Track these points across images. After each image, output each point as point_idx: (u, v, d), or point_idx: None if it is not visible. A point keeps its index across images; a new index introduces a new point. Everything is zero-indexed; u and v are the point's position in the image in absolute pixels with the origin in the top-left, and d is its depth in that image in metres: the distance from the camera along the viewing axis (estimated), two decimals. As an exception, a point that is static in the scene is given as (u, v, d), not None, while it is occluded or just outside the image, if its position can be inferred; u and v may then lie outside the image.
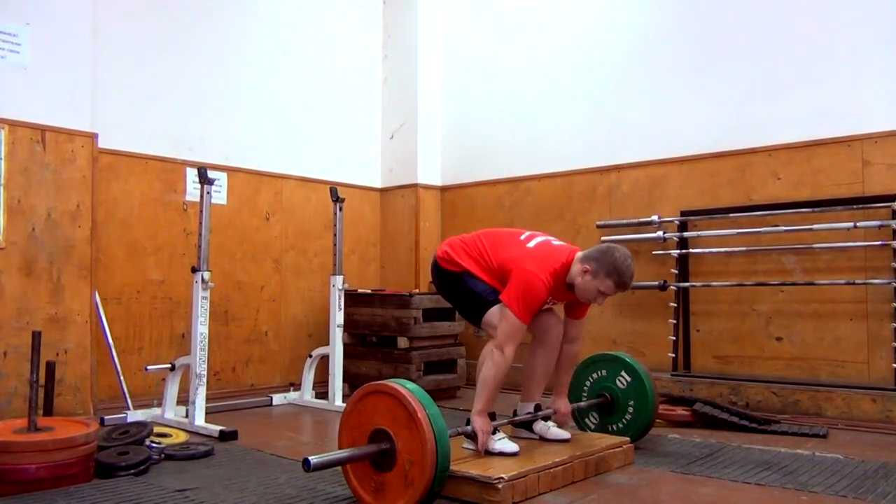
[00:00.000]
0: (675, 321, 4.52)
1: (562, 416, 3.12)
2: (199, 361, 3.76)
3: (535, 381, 3.08)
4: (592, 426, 3.45)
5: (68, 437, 2.66)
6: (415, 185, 5.81)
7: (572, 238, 4.86)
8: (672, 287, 4.52)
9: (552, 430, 3.00)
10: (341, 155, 5.74)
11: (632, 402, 3.33)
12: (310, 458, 2.24)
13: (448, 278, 3.03)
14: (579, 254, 2.88)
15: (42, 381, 3.25)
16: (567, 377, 3.18)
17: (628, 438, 3.11)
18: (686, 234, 4.53)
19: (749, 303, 4.31)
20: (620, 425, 3.36)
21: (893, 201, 3.83)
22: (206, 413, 3.81)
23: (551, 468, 2.63)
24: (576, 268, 2.84)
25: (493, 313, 2.85)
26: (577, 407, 3.36)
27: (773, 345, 4.22)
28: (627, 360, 3.39)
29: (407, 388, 2.39)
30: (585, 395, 3.47)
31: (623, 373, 3.37)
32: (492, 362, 2.76)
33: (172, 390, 3.97)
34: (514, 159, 5.44)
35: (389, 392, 2.40)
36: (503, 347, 2.74)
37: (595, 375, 3.46)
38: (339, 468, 2.49)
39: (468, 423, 2.77)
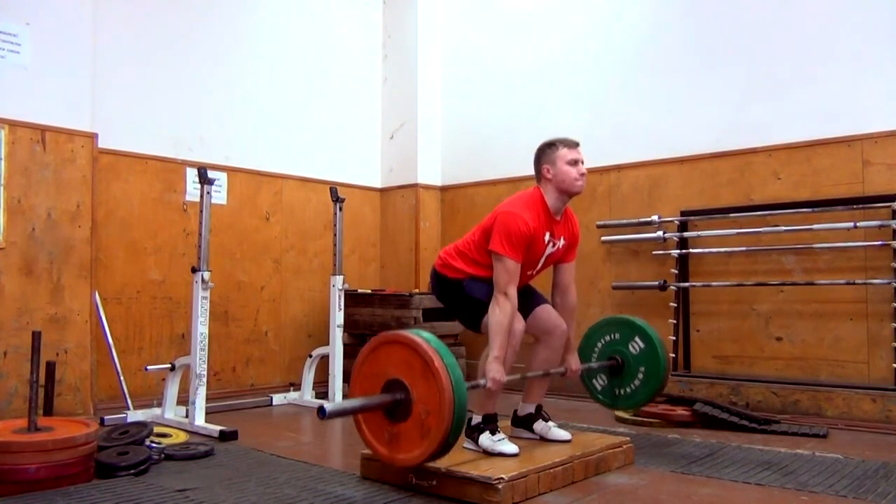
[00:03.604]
0: (675, 321, 4.52)
1: (573, 374, 3.12)
2: (199, 361, 3.76)
3: (538, 381, 3.07)
4: (599, 387, 3.42)
5: (68, 437, 2.66)
6: (415, 185, 5.80)
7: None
8: (672, 287, 4.52)
9: (552, 430, 3.00)
10: (341, 155, 5.74)
11: (642, 369, 3.29)
12: (325, 405, 2.24)
13: (448, 285, 3.03)
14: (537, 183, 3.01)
15: (42, 381, 3.24)
16: (570, 331, 3.12)
17: (628, 438, 3.10)
18: (686, 234, 4.53)
19: (749, 303, 4.31)
20: (628, 390, 3.33)
21: (893, 201, 3.83)
22: (206, 413, 3.81)
23: (551, 468, 2.63)
24: (544, 185, 2.95)
25: None
26: (588, 367, 3.33)
27: (773, 345, 4.22)
28: (641, 325, 3.34)
29: (423, 338, 2.36)
30: (595, 356, 3.43)
31: (637, 338, 3.32)
32: (497, 308, 2.77)
33: (172, 390, 3.97)
34: (514, 159, 5.42)
35: (404, 342, 2.37)
36: (505, 290, 2.77)
37: (607, 338, 3.41)
38: (355, 436, 2.47)
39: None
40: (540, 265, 3.00)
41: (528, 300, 3.05)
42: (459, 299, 3.00)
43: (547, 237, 2.92)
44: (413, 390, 2.33)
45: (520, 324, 2.89)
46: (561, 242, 3.00)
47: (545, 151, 2.98)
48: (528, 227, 2.81)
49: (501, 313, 2.76)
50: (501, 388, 2.78)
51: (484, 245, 2.90)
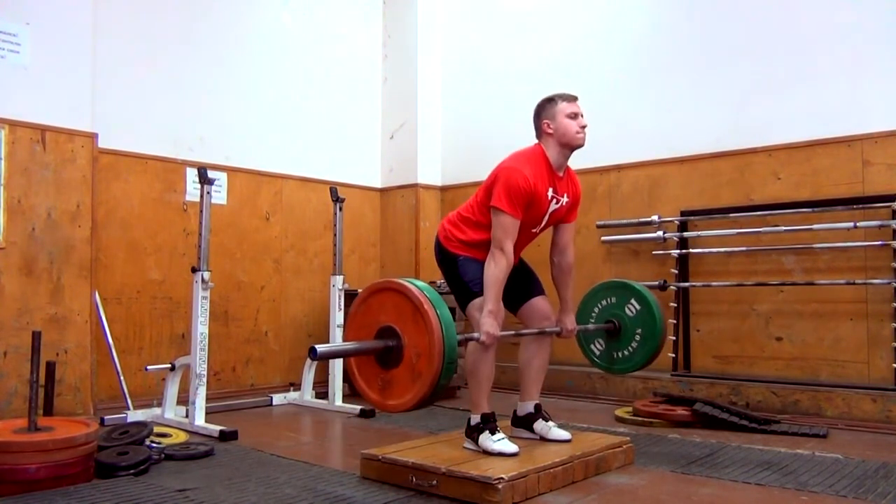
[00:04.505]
0: (675, 321, 4.52)
1: (568, 333, 3.11)
2: (199, 361, 3.76)
3: (533, 376, 3.07)
4: (597, 352, 3.43)
5: (68, 437, 2.66)
6: (415, 185, 5.80)
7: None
8: (672, 287, 4.52)
9: (553, 430, 2.99)
10: (341, 155, 5.74)
11: (639, 331, 3.29)
12: (316, 346, 2.27)
13: (447, 258, 3.02)
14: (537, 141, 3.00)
15: (42, 381, 3.25)
16: (568, 292, 3.13)
17: (628, 438, 3.10)
18: (686, 234, 4.53)
19: (749, 303, 4.31)
20: (626, 352, 3.33)
21: (893, 201, 3.83)
22: (206, 413, 3.81)
23: (551, 468, 2.63)
24: (546, 141, 2.94)
25: (476, 305, 2.86)
26: (584, 329, 3.34)
27: (773, 345, 4.22)
28: (638, 288, 3.34)
29: (413, 284, 2.39)
30: (593, 320, 3.43)
31: (633, 300, 3.32)
32: (493, 262, 2.78)
33: (172, 390, 3.96)
34: (514, 159, 5.43)
35: (395, 288, 2.40)
36: (502, 245, 2.79)
37: (604, 302, 3.42)
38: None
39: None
40: (544, 223, 2.99)
41: (525, 287, 3.07)
42: (453, 275, 3.00)
43: (550, 193, 2.91)
44: (404, 336, 2.36)
45: (549, 320, 3.00)
46: (564, 199, 2.98)
47: (544, 107, 2.97)
48: (527, 183, 2.80)
49: (497, 268, 2.77)
50: (495, 342, 2.78)
51: (487, 203, 2.88)
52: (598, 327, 3.37)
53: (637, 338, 3.30)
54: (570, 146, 2.92)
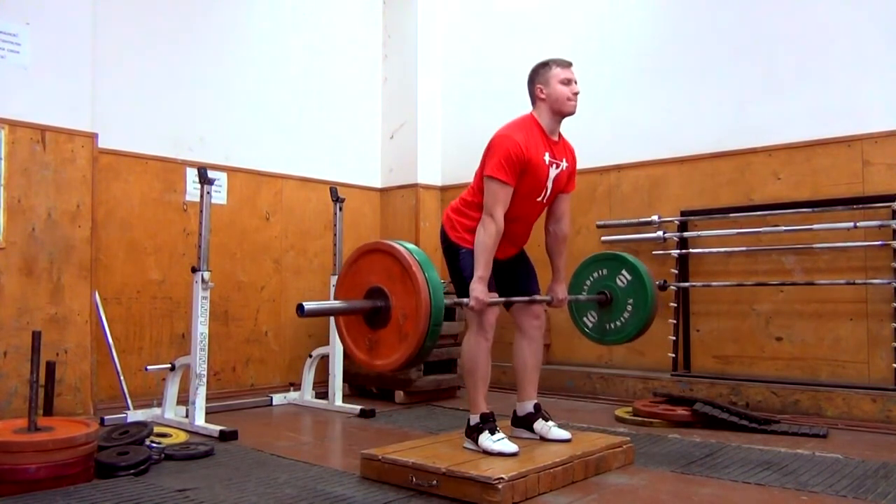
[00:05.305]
0: (675, 321, 4.52)
1: (559, 303, 3.12)
2: (199, 361, 3.76)
3: (529, 375, 3.08)
4: (590, 324, 3.45)
5: (68, 437, 2.66)
6: (415, 185, 5.81)
7: (572, 238, 4.85)
8: (672, 287, 4.52)
9: (553, 430, 2.99)
10: (341, 155, 5.74)
11: (631, 300, 3.31)
12: (304, 303, 2.28)
13: (450, 247, 3.01)
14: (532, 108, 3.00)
15: (42, 381, 3.25)
16: (561, 261, 3.13)
17: (628, 438, 3.10)
18: (686, 234, 4.53)
19: (749, 303, 4.31)
20: (618, 323, 3.35)
21: (893, 201, 3.83)
22: (206, 413, 3.81)
23: (551, 468, 2.63)
24: (538, 107, 2.95)
25: None
26: (576, 299, 3.36)
27: (773, 345, 4.22)
28: (629, 259, 3.36)
29: (403, 246, 2.42)
30: (585, 293, 3.45)
31: (623, 271, 3.34)
32: (483, 228, 2.79)
33: (172, 390, 3.97)
34: (514, 159, 5.43)
35: (385, 250, 2.44)
36: (492, 212, 2.78)
37: (596, 275, 3.43)
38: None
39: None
40: (548, 191, 2.95)
41: (521, 285, 3.06)
42: (453, 267, 2.99)
43: (547, 158, 2.90)
44: (392, 297, 2.40)
45: (540, 318, 3.02)
46: (564, 164, 2.97)
47: (538, 71, 2.97)
48: (519, 149, 2.79)
49: (486, 234, 2.78)
50: (484, 307, 2.78)
51: (482, 185, 2.88)
52: (590, 298, 3.39)
53: (629, 308, 3.32)
54: (560, 113, 2.92)
